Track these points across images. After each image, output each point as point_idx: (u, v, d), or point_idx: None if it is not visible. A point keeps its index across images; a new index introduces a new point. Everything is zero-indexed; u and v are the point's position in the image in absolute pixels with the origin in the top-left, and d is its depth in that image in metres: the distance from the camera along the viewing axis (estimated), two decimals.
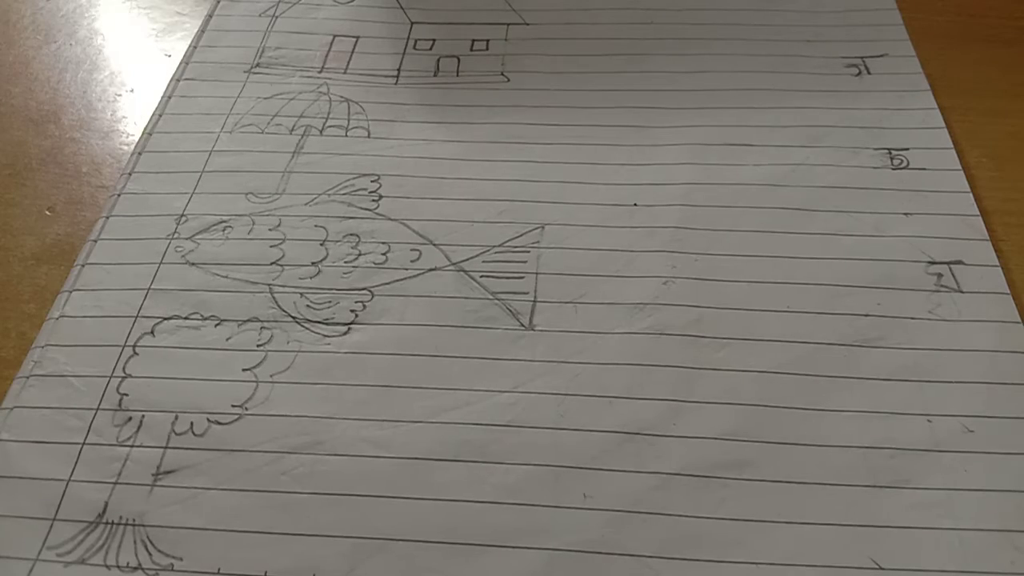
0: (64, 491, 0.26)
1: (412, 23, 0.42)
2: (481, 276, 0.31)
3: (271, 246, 0.32)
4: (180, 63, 0.40)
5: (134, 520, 0.25)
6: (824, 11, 0.41)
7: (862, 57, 0.39)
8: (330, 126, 0.37)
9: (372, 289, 0.31)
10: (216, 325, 0.30)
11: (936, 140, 0.35)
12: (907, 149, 0.35)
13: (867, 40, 0.39)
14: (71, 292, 0.31)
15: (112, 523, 0.25)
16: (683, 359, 0.28)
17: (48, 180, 0.36)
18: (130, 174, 0.35)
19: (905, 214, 0.32)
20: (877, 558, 0.24)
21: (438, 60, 0.40)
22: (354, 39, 0.41)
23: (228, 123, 0.37)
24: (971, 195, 0.33)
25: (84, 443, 0.27)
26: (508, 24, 0.41)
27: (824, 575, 0.24)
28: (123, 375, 0.29)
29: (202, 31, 0.42)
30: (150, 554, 0.25)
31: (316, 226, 0.33)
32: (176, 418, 0.28)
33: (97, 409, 0.28)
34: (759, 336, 0.29)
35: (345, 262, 0.32)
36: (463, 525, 0.25)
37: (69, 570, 0.24)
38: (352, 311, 0.30)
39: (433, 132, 0.36)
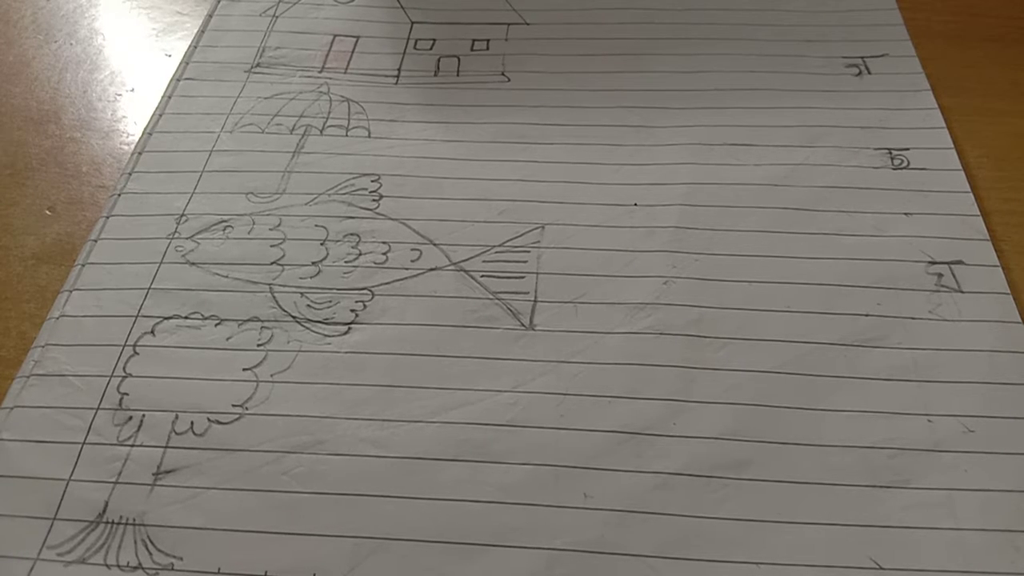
0: (64, 491, 0.26)
1: (412, 23, 0.42)
2: (481, 276, 0.31)
3: (271, 246, 0.32)
4: (180, 63, 0.40)
5: (134, 520, 0.25)
6: (824, 11, 0.41)
7: (862, 57, 0.39)
8: (330, 126, 0.37)
9: (372, 289, 0.31)
10: (216, 325, 0.30)
11: (936, 140, 0.35)
12: (907, 149, 0.35)
13: (867, 40, 0.39)
14: (71, 292, 0.31)
15: (112, 523, 0.25)
16: (683, 359, 0.28)
17: (48, 180, 0.36)
18: (130, 174, 0.35)
19: (905, 214, 0.32)
20: (877, 558, 0.24)
21: (438, 60, 0.40)
22: (354, 39, 0.41)
23: (228, 123, 0.37)
24: (971, 195, 0.33)
25: (84, 443, 0.27)
26: (508, 24, 0.41)
27: (824, 575, 0.24)
28: (123, 375, 0.29)
29: (202, 31, 0.42)
30: (150, 554, 0.25)
31: (316, 226, 0.33)
32: (176, 418, 0.28)
33: (97, 408, 0.28)
34: (759, 336, 0.29)
35: (345, 262, 0.32)
36: (463, 525, 0.25)
37: (69, 570, 0.24)
38: (352, 311, 0.30)
39: (433, 132, 0.36)
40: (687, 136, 0.36)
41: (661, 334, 0.29)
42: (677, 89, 0.38)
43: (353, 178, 0.35)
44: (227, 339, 0.30)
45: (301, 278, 0.31)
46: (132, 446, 0.27)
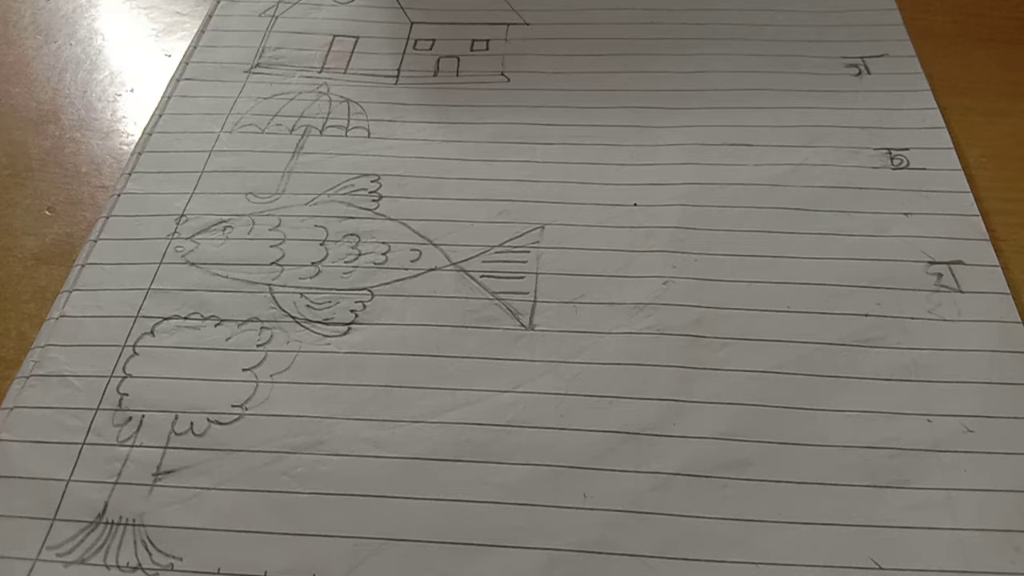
0: (64, 491, 0.26)
1: (412, 23, 0.42)
2: (481, 276, 0.31)
3: (271, 246, 0.32)
4: (180, 63, 0.40)
5: (134, 520, 0.25)
6: (824, 11, 0.41)
7: (862, 57, 0.39)
8: (330, 126, 0.37)
9: (372, 289, 0.31)
10: (216, 325, 0.30)
11: (936, 140, 0.35)
12: (907, 149, 0.35)
13: (867, 40, 0.39)
14: (71, 292, 0.31)
15: (112, 523, 0.25)
16: (683, 359, 0.28)
17: (48, 180, 0.36)
18: (130, 174, 0.35)
19: (905, 214, 0.32)
20: (877, 558, 0.24)
21: (438, 60, 0.40)
22: (354, 39, 0.41)
23: (228, 123, 0.37)
24: (971, 195, 0.33)
25: (84, 443, 0.27)
26: (508, 24, 0.41)
27: (824, 575, 0.24)
28: (123, 375, 0.29)
29: (202, 31, 0.42)
30: (150, 554, 0.25)
31: (316, 226, 0.33)
32: (176, 418, 0.28)
33: (97, 409, 0.28)
34: (759, 336, 0.29)
35: (345, 262, 0.32)
36: (463, 525, 0.25)
37: (69, 570, 0.24)
38: (352, 311, 0.30)
39: (433, 132, 0.36)
40: (687, 136, 0.36)
41: (661, 334, 0.29)
42: (677, 89, 0.38)
43: (353, 178, 0.35)
44: (227, 339, 0.30)
45: (301, 278, 0.31)
46: (132, 446, 0.27)
